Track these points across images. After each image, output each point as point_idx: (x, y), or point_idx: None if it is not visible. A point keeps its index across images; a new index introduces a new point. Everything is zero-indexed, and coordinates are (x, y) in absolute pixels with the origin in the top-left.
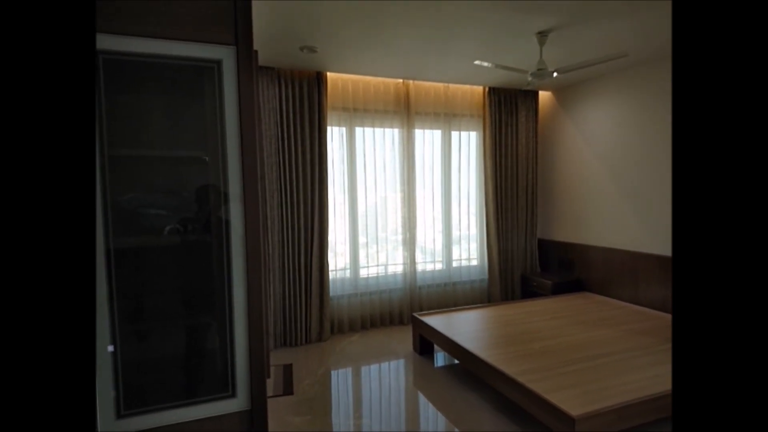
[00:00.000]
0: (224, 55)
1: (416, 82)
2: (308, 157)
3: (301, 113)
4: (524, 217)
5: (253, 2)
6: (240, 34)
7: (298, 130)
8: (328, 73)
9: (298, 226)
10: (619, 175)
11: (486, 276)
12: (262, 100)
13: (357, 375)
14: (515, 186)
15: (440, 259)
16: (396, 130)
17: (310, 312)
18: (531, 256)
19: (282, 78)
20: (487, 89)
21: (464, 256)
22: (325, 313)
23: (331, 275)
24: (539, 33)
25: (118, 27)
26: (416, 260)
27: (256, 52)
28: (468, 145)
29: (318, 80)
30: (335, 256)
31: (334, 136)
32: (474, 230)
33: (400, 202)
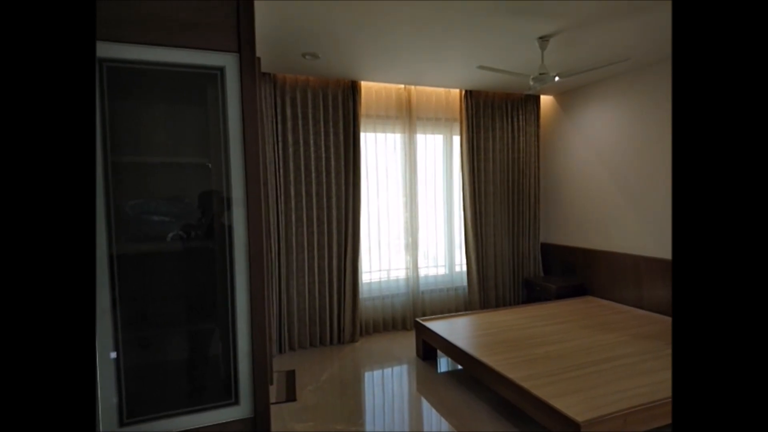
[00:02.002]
0: (227, 62)
1: (418, 87)
2: (342, 162)
3: (335, 119)
4: (527, 221)
5: (255, 10)
6: (243, 41)
7: (330, 136)
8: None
9: (329, 231)
10: (622, 179)
11: (478, 282)
12: (265, 105)
13: (360, 380)
14: (509, 190)
15: (443, 263)
16: (398, 135)
17: (343, 314)
18: (534, 261)
19: (310, 86)
20: (463, 92)
21: (466, 260)
22: (357, 315)
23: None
24: (540, 38)
25: (121, 35)
26: (419, 265)
27: (259, 59)
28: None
29: (353, 89)
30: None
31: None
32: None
33: (403, 206)
